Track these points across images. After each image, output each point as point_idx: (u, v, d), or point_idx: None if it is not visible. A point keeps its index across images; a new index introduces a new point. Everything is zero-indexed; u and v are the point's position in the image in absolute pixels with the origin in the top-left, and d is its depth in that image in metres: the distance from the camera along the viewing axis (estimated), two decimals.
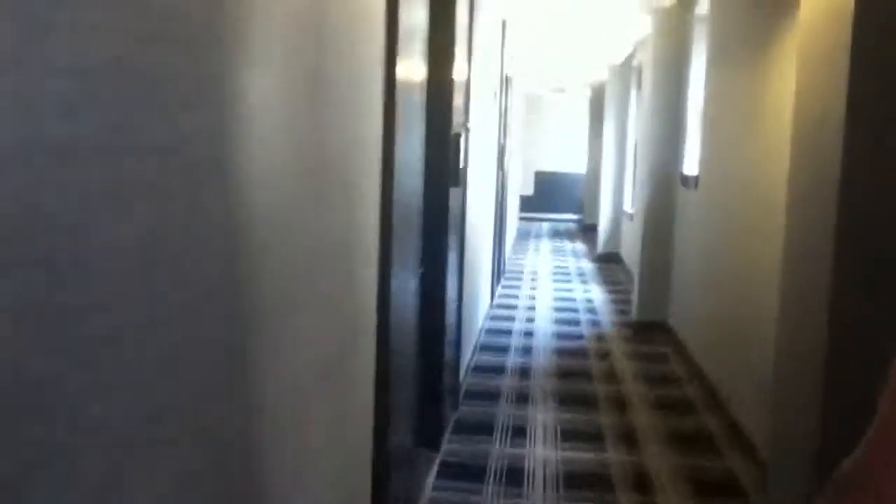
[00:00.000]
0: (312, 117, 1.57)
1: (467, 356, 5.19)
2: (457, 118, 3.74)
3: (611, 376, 5.17)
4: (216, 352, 1.13)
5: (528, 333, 6.34)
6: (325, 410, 1.77)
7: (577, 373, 5.24)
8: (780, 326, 2.56)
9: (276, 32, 1.35)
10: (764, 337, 3.64)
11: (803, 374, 2.30)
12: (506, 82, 8.03)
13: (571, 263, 10.68)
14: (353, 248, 1.94)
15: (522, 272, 9.68)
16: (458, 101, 3.75)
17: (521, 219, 15.09)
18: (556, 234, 14.31)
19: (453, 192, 3.78)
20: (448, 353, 4.02)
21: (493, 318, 6.89)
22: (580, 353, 5.79)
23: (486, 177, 6.31)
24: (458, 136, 3.71)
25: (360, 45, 1.95)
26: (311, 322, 1.62)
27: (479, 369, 5.25)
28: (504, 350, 5.78)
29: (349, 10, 1.81)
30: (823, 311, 2.15)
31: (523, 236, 13.63)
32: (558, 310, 7.39)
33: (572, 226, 15.49)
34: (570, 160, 17.84)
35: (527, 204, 16.39)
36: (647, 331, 6.35)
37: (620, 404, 4.61)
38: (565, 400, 4.65)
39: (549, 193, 17.73)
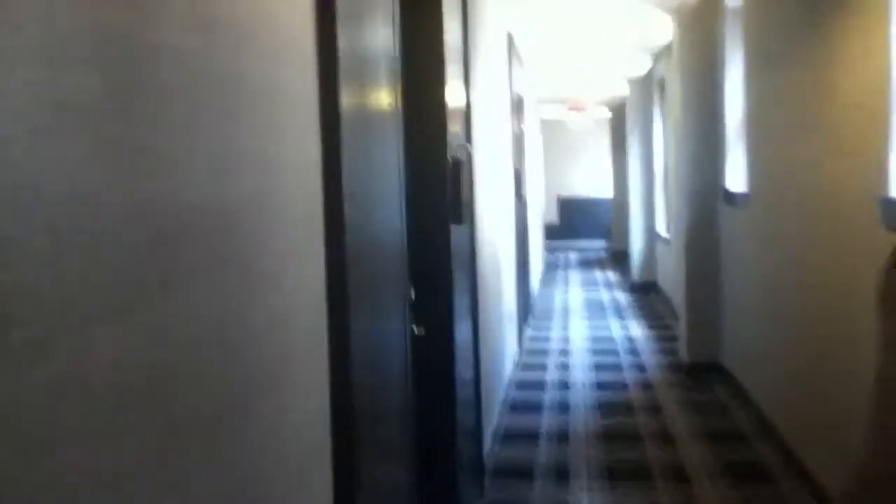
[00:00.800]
0: (138, 142, 0.85)
1: (493, 419, 4.42)
2: (454, 144, 3.04)
3: (665, 437, 4.35)
4: None
5: (564, 385, 5.54)
6: None
7: (624, 434, 4.42)
8: None
9: None
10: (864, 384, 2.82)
11: None
12: (518, 103, 7.35)
13: (605, 295, 9.86)
14: (276, 330, 1.22)
15: (552, 309, 8.89)
16: (454, 126, 3.05)
17: (548, 249, 14.31)
18: (585, 264, 13.50)
19: (456, 230, 3.07)
20: (464, 418, 3.27)
21: (523, 366, 6.11)
22: (625, 407, 4.97)
23: (502, 207, 5.59)
24: (458, 163, 2.99)
25: (280, 67, 1.26)
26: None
27: (508, 436, 4.46)
28: (537, 408, 4.99)
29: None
30: None
31: (551, 268, 12.84)
32: (596, 352, 6.58)
33: (602, 253, 14.67)
34: (594, 183, 17.15)
35: (552, 233, 15.65)
36: (700, 374, 5.52)
37: (682, 476, 3.79)
38: (615, 474, 3.84)
39: (576, 220, 17.00)
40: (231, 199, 1.10)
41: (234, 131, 1.12)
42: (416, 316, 2.82)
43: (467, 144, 3.17)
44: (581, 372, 5.91)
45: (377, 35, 1.91)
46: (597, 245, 15.65)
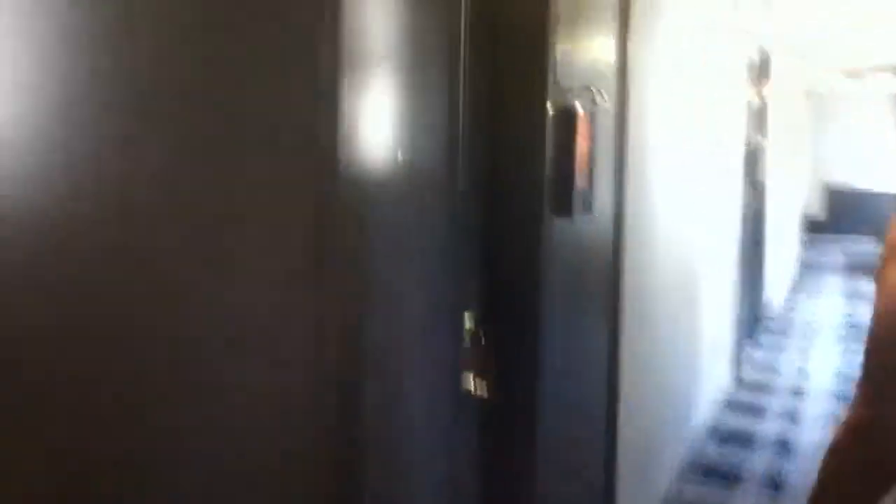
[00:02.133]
0: None
1: (659, 493, 3.14)
2: (574, 88, 1.84)
3: None
4: None
5: (783, 444, 4.01)
6: None
7: None
8: None
9: None
10: None
11: None
12: (763, 63, 5.70)
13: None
14: None
15: (793, 325, 7.07)
16: (575, 72, 1.86)
17: (807, 246, 12.00)
18: (852, 269, 11.06)
19: (568, 224, 1.88)
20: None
21: (735, 406, 4.63)
22: None
23: (712, 195, 4.16)
24: (571, 118, 1.80)
25: None
26: None
27: None
28: (735, 478, 3.57)
29: None
30: None
31: (806, 269, 10.65)
32: (843, 398, 4.87)
33: (876, 259, 11.99)
34: (874, 172, 14.24)
35: (814, 228, 13.20)
36: None
37: None
38: None
39: (845, 215, 14.24)
40: None
41: None
42: (482, 362, 1.75)
43: (596, 90, 1.95)
44: (814, 427, 4.30)
45: None
46: (870, 248, 12.90)
